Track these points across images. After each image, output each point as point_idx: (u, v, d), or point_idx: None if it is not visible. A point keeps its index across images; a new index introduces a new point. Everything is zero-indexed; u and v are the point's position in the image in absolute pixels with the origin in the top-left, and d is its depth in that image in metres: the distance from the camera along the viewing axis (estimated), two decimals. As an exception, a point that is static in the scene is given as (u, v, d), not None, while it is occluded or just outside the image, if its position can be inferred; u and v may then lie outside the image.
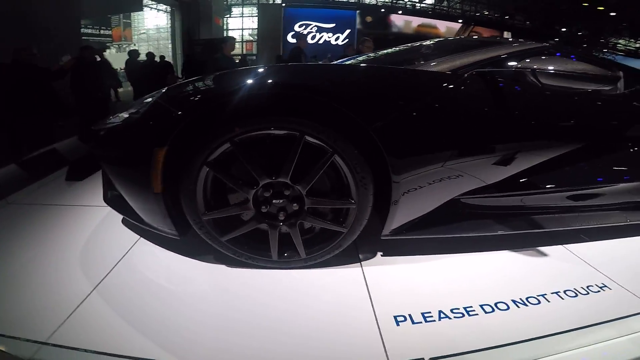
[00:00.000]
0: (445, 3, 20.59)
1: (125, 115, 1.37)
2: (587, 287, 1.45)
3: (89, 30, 13.77)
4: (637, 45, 22.23)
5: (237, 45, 22.31)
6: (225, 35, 20.67)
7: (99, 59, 6.04)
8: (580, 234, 1.81)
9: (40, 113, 3.71)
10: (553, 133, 1.55)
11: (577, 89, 1.49)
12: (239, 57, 19.14)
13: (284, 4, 20.45)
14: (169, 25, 17.81)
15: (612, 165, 1.76)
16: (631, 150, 1.77)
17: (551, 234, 1.70)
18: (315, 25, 20.65)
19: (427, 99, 1.33)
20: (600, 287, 1.46)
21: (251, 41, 22.50)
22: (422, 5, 20.64)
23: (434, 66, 1.50)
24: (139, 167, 1.27)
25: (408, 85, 1.37)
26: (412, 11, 20.50)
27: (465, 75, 1.40)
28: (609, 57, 19.20)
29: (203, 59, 7.35)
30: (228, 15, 20.85)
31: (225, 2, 20.00)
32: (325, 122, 1.21)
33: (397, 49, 2.47)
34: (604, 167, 1.74)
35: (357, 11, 20.44)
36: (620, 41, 21.84)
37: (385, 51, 2.50)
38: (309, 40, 20.56)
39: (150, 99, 1.35)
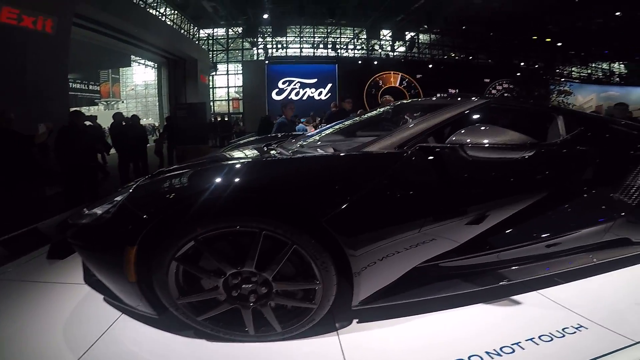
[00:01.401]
0: (415, 50, 22.25)
1: (99, 211, 1.45)
2: (563, 329, 1.47)
3: (78, 85, 13.93)
4: (589, 72, 24.55)
5: (224, 104, 23.28)
6: (211, 91, 21.45)
7: (89, 123, 5.66)
8: (554, 277, 1.82)
9: (19, 185, 3.41)
10: (497, 196, 1.64)
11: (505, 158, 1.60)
12: (225, 115, 19.73)
13: (267, 61, 21.32)
14: (157, 81, 18.36)
15: (573, 212, 1.84)
16: (585, 195, 1.88)
17: (524, 281, 1.71)
18: (298, 82, 21.42)
19: (375, 181, 1.42)
20: (576, 328, 1.48)
21: (237, 99, 23.20)
22: (394, 54, 22.21)
23: (385, 140, 1.61)
24: (112, 261, 1.38)
25: (357, 172, 1.47)
26: (387, 61, 21.75)
27: (409, 152, 1.51)
28: (566, 87, 20.69)
29: (186, 124, 7.38)
30: (214, 73, 21.55)
31: (211, 60, 20.83)
32: (281, 218, 1.32)
33: (357, 119, 2.70)
34: (565, 215, 1.82)
35: (337, 65, 21.34)
36: (573, 69, 24.02)
37: (348, 121, 2.68)
38: (293, 97, 21.49)
39: (119, 198, 1.44)
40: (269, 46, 21.26)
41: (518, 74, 20.83)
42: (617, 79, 25.07)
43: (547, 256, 1.79)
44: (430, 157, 1.52)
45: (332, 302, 1.43)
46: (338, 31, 21.74)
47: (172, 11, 16.93)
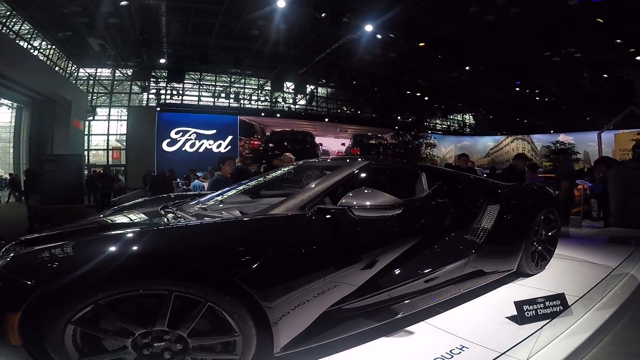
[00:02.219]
0: (314, 103, 23.84)
1: None
2: (450, 351, 1.71)
3: None
4: (448, 123, 30.44)
5: (101, 153, 19.84)
6: (87, 139, 18.18)
7: None
8: (435, 307, 2.14)
9: None
10: (382, 244, 1.96)
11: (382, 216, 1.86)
12: (104, 168, 16.71)
13: (158, 108, 19.43)
14: (13, 124, 14.53)
15: (440, 252, 2.26)
16: (447, 238, 2.35)
17: (414, 313, 2.00)
18: (195, 132, 19.91)
19: (283, 240, 1.59)
20: (460, 349, 1.73)
21: (119, 149, 20.30)
22: (295, 107, 23.23)
23: (288, 203, 1.81)
24: None
25: (266, 233, 1.62)
26: (289, 113, 22.51)
27: (310, 213, 1.74)
28: (431, 139, 24.90)
29: (56, 180, 6.41)
30: (91, 118, 18.49)
31: (88, 102, 17.87)
32: (192, 279, 1.33)
33: (262, 179, 2.94)
34: (434, 255, 2.22)
35: (239, 116, 20.85)
36: (437, 121, 29.46)
37: (253, 182, 2.91)
38: (187, 149, 19.95)
39: None
40: (162, 92, 19.66)
41: (396, 127, 24.14)
42: (468, 129, 31.15)
43: (427, 290, 2.12)
44: (327, 217, 1.75)
45: (255, 351, 1.47)
46: (242, 81, 21.75)
47: (49, 45, 14.28)
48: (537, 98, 20.13)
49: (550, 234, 2.95)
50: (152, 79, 18.40)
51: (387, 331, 1.88)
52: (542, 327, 1.89)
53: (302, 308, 1.56)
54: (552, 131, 25.36)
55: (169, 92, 19.94)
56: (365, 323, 1.79)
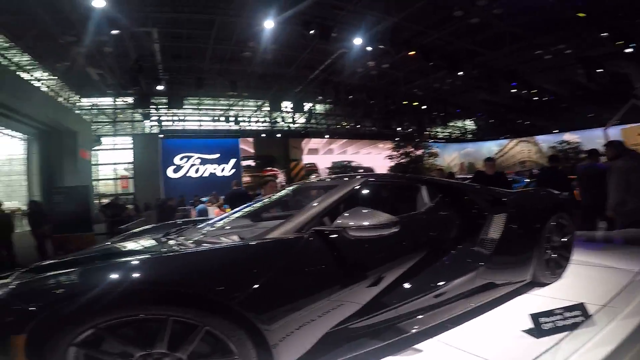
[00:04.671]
0: (313, 121, 24.19)
1: None
2: None
3: None
4: (449, 131, 30.27)
5: (110, 183, 20.27)
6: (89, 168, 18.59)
7: None
8: (445, 323, 2.05)
9: None
10: (386, 261, 1.95)
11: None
12: (114, 197, 17.07)
13: (161, 135, 20.05)
14: (25, 156, 15.03)
15: (447, 265, 2.22)
16: (453, 251, 2.30)
17: (424, 330, 1.92)
18: (199, 157, 20.42)
19: (278, 264, 1.61)
20: None
21: (127, 177, 20.63)
22: (295, 126, 23.64)
23: (285, 226, 1.83)
24: None
25: (264, 258, 1.64)
26: (289, 132, 23.07)
27: (306, 235, 1.75)
28: (433, 148, 24.81)
29: (66, 210, 6.91)
30: (97, 148, 18.99)
31: (93, 132, 18.49)
32: (188, 304, 1.39)
33: (261, 203, 3.01)
34: (441, 270, 2.18)
35: (239, 138, 21.46)
36: (438, 129, 29.39)
37: (254, 206, 2.98)
38: (192, 174, 20.29)
39: (0, 292, 1.41)
40: (164, 118, 20.20)
41: (397, 139, 24.17)
42: (470, 135, 30.88)
43: (436, 306, 2.06)
44: (324, 238, 1.76)
45: None
46: (240, 103, 22.32)
47: (49, 76, 14.92)
48: (535, 98, 19.98)
49: (564, 239, 2.83)
50: (152, 106, 18.94)
51: (395, 350, 1.83)
52: (561, 340, 1.79)
53: (303, 329, 1.57)
54: (556, 131, 25.01)
55: (170, 118, 20.49)
56: (371, 342, 1.77)
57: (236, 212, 2.86)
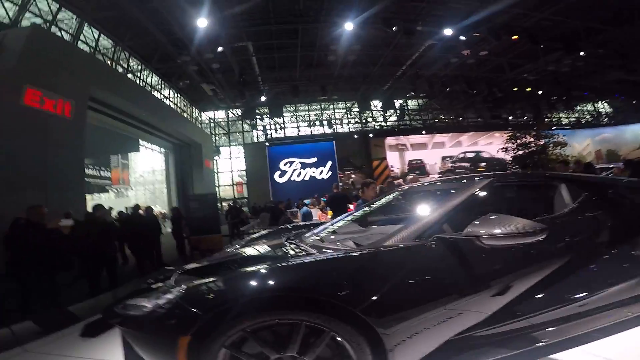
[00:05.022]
0: (406, 117, 23.45)
1: (149, 305, 1.63)
2: None
3: (89, 171, 14.14)
4: (576, 116, 25.35)
5: (228, 189, 23.46)
6: (215, 176, 21.78)
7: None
8: (591, 333, 1.83)
9: (52, 272, 3.82)
10: (518, 269, 1.78)
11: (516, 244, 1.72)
12: (231, 201, 19.61)
13: (267, 143, 22.08)
14: (164, 167, 18.73)
15: (598, 273, 1.95)
16: (605, 256, 2.00)
17: (563, 340, 1.75)
18: (299, 162, 21.69)
19: (401, 273, 1.64)
20: None
21: (241, 183, 23.38)
22: (387, 124, 23.40)
23: (403, 232, 1.82)
24: (166, 349, 1.53)
25: (386, 266, 1.69)
26: (381, 132, 22.77)
27: (429, 243, 1.73)
28: (560, 137, 21.04)
29: (198, 215, 7.68)
30: (217, 157, 22.25)
31: (214, 144, 21.69)
32: (318, 310, 1.49)
33: (367, 208, 2.99)
34: (589, 278, 1.93)
35: (334, 141, 22.02)
36: (561, 115, 24.95)
37: (362, 211, 2.99)
38: (295, 178, 21.63)
39: (170, 296, 1.61)
40: (267, 127, 22.33)
41: (509, 128, 21.41)
42: (606, 119, 25.58)
43: (580, 315, 1.84)
44: (449, 246, 1.72)
45: None
46: (331, 107, 23.29)
47: (175, 94, 18.03)
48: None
49: None
50: (257, 116, 21.28)
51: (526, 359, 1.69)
52: None
53: (422, 335, 1.57)
54: None
55: (272, 126, 22.62)
56: (497, 351, 1.68)
57: (348, 216, 2.93)
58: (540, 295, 1.78)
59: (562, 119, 24.80)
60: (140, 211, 7.64)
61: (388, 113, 22.72)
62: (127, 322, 1.68)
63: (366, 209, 2.98)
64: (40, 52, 7.52)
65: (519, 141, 18.87)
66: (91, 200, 11.12)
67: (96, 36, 11.61)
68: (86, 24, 10.93)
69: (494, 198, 2.17)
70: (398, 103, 22.05)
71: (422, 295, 1.60)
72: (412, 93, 20.17)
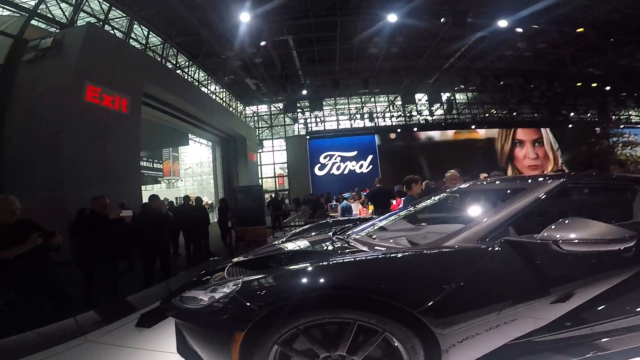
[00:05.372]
0: (454, 111, 22.25)
1: (204, 298, 1.65)
2: None
3: (144, 163, 15.18)
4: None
5: (270, 181, 23.99)
6: (259, 169, 22.41)
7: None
8: None
9: (113, 261, 3.92)
10: (586, 275, 1.65)
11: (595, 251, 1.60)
12: (272, 193, 19.91)
13: (307, 136, 22.17)
14: (211, 159, 19.55)
15: None
16: None
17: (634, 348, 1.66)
18: (339, 155, 21.61)
19: (464, 275, 1.55)
20: None
21: (282, 175, 23.82)
22: (433, 118, 22.32)
23: (466, 233, 1.73)
24: (220, 343, 1.54)
25: (448, 267, 1.62)
26: (426, 126, 21.85)
27: (496, 247, 1.63)
28: (630, 136, 18.71)
29: (245, 206, 7.65)
30: (260, 150, 22.89)
31: (257, 137, 22.29)
32: (374, 310, 1.45)
33: (418, 205, 2.83)
34: None
35: (375, 135, 21.64)
36: (632, 112, 22.18)
37: (413, 208, 2.85)
38: (334, 172, 21.52)
39: (227, 290, 1.62)
40: (308, 121, 22.43)
41: (570, 125, 19.59)
42: None
43: None
44: (519, 251, 1.61)
45: None
46: (372, 100, 22.71)
47: (220, 89, 18.76)
48: None
49: None
50: (298, 110, 21.46)
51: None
52: None
53: (479, 337, 1.52)
54: None
55: (312, 120, 22.65)
56: (558, 357, 1.62)
57: (396, 213, 2.82)
58: (607, 304, 1.69)
59: (631, 117, 22.09)
60: (190, 202, 7.86)
61: (434, 107, 21.72)
62: (183, 315, 1.69)
63: (417, 206, 2.84)
64: (97, 49, 7.95)
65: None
66: (145, 191, 11.97)
67: (145, 33, 12.22)
68: (135, 22, 11.47)
69: (566, 200, 2.07)
70: (445, 96, 20.97)
71: (482, 298, 1.54)
72: (462, 86, 19.08)
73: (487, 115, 22.93)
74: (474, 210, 2.35)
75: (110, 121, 8.17)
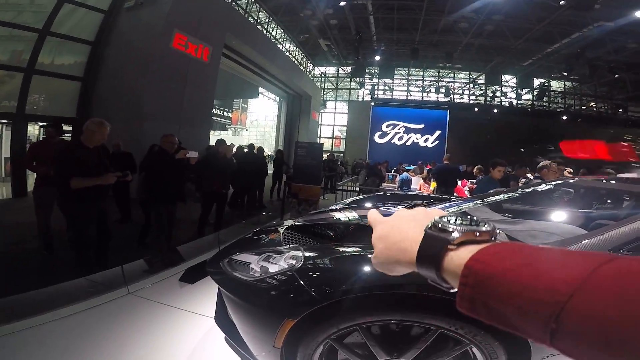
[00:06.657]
0: (545, 98, 19.84)
1: (256, 267, 1.46)
2: None
3: (215, 111, 16.06)
4: None
5: (327, 141, 24.00)
6: (319, 129, 22.41)
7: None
8: None
9: (171, 205, 3.78)
10: None
11: None
12: (329, 153, 19.52)
13: (373, 102, 21.64)
14: (276, 115, 20.09)
15: None
16: None
17: None
18: (403, 126, 20.94)
19: None
20: None
21: (339, 138, 23.79)
22: (519, 102, 20.13)
23: (591, 237, 1.38)
24: (266, 326, 1.37)
25: None
26: (510, 109, 19.87)
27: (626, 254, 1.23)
28: None
29: (304, 163, 7.39)
30: (323, 110, 22.83)
31: (322, 97, 22.17)
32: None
33: (510, 194, 2.41)
34: None
35: (448, 110, 20.33)
36: None
37: (505, 195, 2.43)
38: (396, 142, 20.89)
39: (285, 265, 1.42)
40: (375, 88, 21.64)
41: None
42: None
43: None
44: None
45: None
46: (451, 75, 21.00)
47: (294, 47, 18.72)
48: None
49: None
50: (367, 76, 20.57)
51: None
52: None
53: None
54: None
55: (381, 87, 21.76)
56: None
57: (480, 198, 2.41)
58: None
59: None
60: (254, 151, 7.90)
61: (523, 91, 19.47)
62: (229, 285, 1.50)
63: (515, 194, 2.39)
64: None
65: None
66: (212, 136, 12.80)
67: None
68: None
69: None
70: (537, 82, 18.62)
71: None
72: (565, 74, 16.71)
73: (584, 108, 20.05)
74: (596, 212, 1.99)
75: (192, 68, 8.56)
